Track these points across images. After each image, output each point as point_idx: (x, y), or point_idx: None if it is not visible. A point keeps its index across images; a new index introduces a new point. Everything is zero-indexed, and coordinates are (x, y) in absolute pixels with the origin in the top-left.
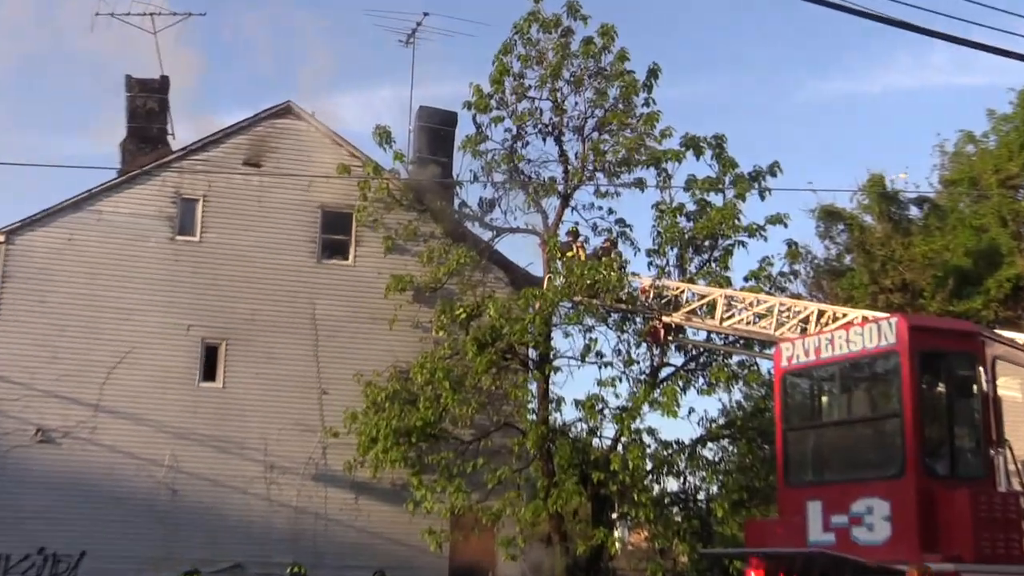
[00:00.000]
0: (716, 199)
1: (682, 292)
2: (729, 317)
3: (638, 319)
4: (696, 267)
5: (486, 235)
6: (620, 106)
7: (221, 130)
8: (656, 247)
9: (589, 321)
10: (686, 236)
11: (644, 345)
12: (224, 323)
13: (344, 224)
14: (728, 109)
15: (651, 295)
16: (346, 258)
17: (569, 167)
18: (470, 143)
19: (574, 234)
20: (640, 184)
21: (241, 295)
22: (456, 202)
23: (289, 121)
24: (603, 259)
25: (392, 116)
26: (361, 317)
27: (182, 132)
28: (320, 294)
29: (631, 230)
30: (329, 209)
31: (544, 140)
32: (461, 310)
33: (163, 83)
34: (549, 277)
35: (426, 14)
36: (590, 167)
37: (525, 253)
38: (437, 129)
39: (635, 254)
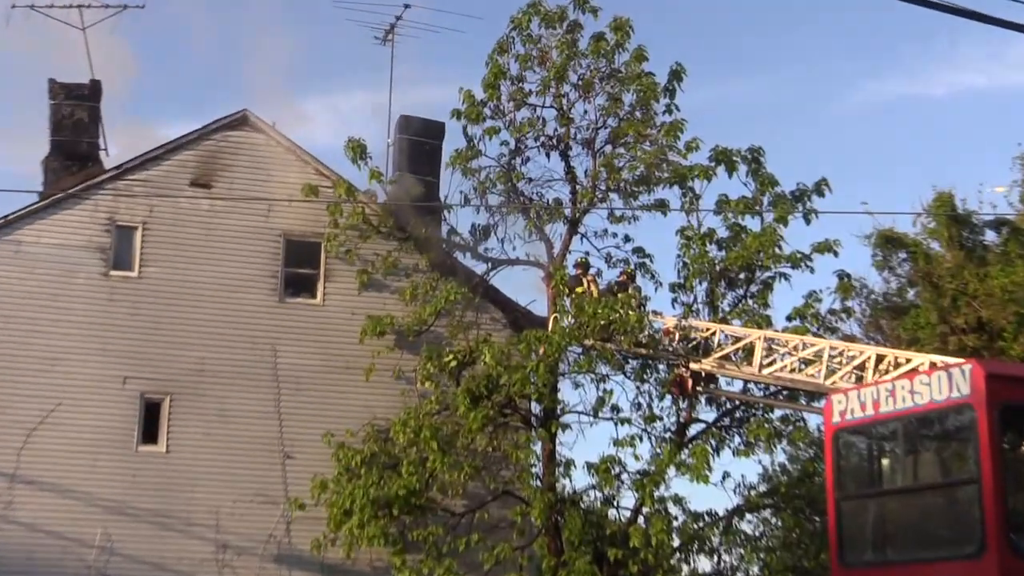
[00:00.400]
0: (753, 223)
1: (713, 334)
2: (770, 363)
3: (661, 366)
4: (729, 304)
5: (480, 268)
6: (637, 114)
7: (164, 144)
8: (682, 281)
9: (603, 369)
10: (717, 267)
11: (668, 397)
12: (168, 374)
13: (311, 256)
14: (766, 116)
15: (676, 338)
16: (313, 296)
17: (577, 187)
18: (460, 159)
19: (584, 266)
20: (662, 206)
21: (188, 341)
22: (444, 229)
23: (245, 133)
24: (619, 295)
25: (367, 127)
26: (332, 366)
27: (117, 147)
28: (283, 339)
29: (651, 261)
30: (293, 238)
31: (548, 155)
32: (451, 357)
33: (94, 88)
34: (555, 317)
35: (407, 6)
36: (602, 186)
37: (526, 289)
38: (421, 142)
39: (656, 289)
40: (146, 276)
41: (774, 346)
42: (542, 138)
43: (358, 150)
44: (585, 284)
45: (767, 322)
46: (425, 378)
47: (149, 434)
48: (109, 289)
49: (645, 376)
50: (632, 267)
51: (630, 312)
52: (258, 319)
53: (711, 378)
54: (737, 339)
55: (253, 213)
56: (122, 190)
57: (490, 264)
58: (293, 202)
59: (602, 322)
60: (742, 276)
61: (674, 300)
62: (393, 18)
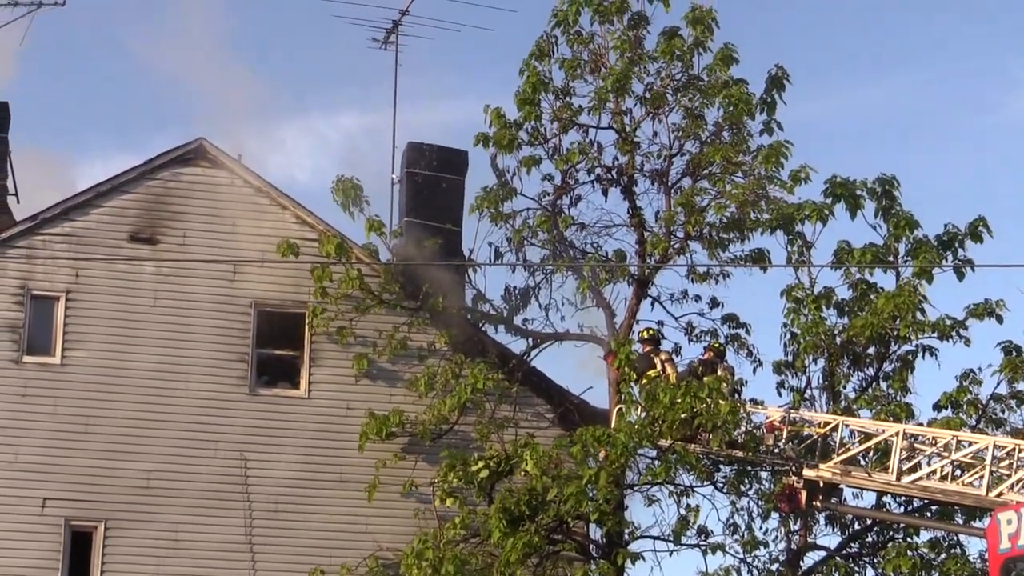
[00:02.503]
0: (886, 280)
1: (834, 429)
2: (911, 469)
3: (764, 474)
4: (855, 389)
5: (518, 346)
6: (725, 135)
7: (94, 187)
8: (790, 358)
9: (685, 479)
10: (837, 340)
11: (776, 516)
12: (102, 494)
13: (292, 333)
14: (898, 132)
15: (784, 436)
16: (295, 385)
17: (646, 234)
18: (488, 200)
19: (656, 340)
20: (760, 259)
21: (129, 449)
22: (469, 295)
23: (201, 171)
24: (705, 379)
25: (363, 159)
26: (321, 480)
27: (31, 191)
28: (255, 443)
29: (748, 332)
30: (268, 309)
31: (605, 192)
32: (481, 465)
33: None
34: (619, 410)
35: None
36: (679, 233)
37: (580, 373)
38: (436, 179)
39: (756, 370)
40: (71, 362)
41: (918, 445)
42: (598, 170)
43: (351, 192)
44: (658, 364)
45: (907, 413)
46: (446, 494)
47: (78, 571)
48: (22, 380)
49: (743, 488)
50: (721, 341)
51: (720, 402)
52: (222, 418)
53: (833, 489)
54: (867, 436)
55: (214, 277)
56: (39, 248)
57: (532, 340)
58: (267, 263)
59: (683, 415)
60: (872, 351)
61: (780, 385)
62: (397, 13)
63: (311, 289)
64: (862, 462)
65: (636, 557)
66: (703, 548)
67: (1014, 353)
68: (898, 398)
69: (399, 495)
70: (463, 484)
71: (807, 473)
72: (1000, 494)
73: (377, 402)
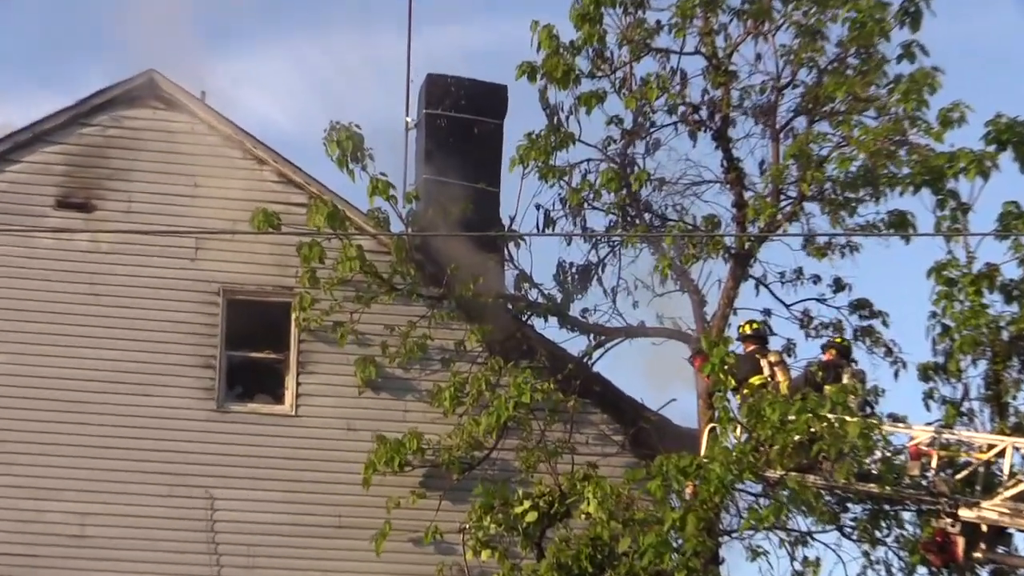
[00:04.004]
0: None
1: (1000, 455)
2: None
3: (907, 515)
4: None
5: (576, 345)
6: (851, 62)
7: (9, 136)
8: (941, 360)
9: (801, 523)
10: (1004, 335)
11: (923, 571)
12: (22, 544)
13: (274, 329)
14: None
15: (934, 464)
16: (278, 399)
17: (748, 194)
18: (535, 151)
19: (760, 337)
20: (902, 227)
21: (56, 485)
22: (510, 276)
23: (152, 114)
24: (826, 389)
25: (366, 98)
26: (312, 525)
27: None
28: (224, 476)
29: (884, 324)
30: (242, 298)
31: (693, 139)
32: (526, 506)
33: None
34: (712, 431)
35: None
36: (791, 192)
37: (659, 381)
38: (464, 123)
39: (897, 375)
40: None
41: None
42: (682, 109)
43: (350, 143)
44: (765, 369)
45: None
46: (481, 545)
47: None
48: None
49: (879, 534)
50: (848, 337)
51: (847, 419)
52: (181, 442)
53: (999, 535)
54: None
55: (170, 255)
56: None
57: (594, 337)
58: (239, 235)
59: (798, 438)
60: None
61: (928, 395)
62: None
63: (298, 272)
64: None
65: None
66: None
67: None
68: None
69: (416, 545)
70: (503, 531)
71: (965, 514)
72: None
73: (387, 421)
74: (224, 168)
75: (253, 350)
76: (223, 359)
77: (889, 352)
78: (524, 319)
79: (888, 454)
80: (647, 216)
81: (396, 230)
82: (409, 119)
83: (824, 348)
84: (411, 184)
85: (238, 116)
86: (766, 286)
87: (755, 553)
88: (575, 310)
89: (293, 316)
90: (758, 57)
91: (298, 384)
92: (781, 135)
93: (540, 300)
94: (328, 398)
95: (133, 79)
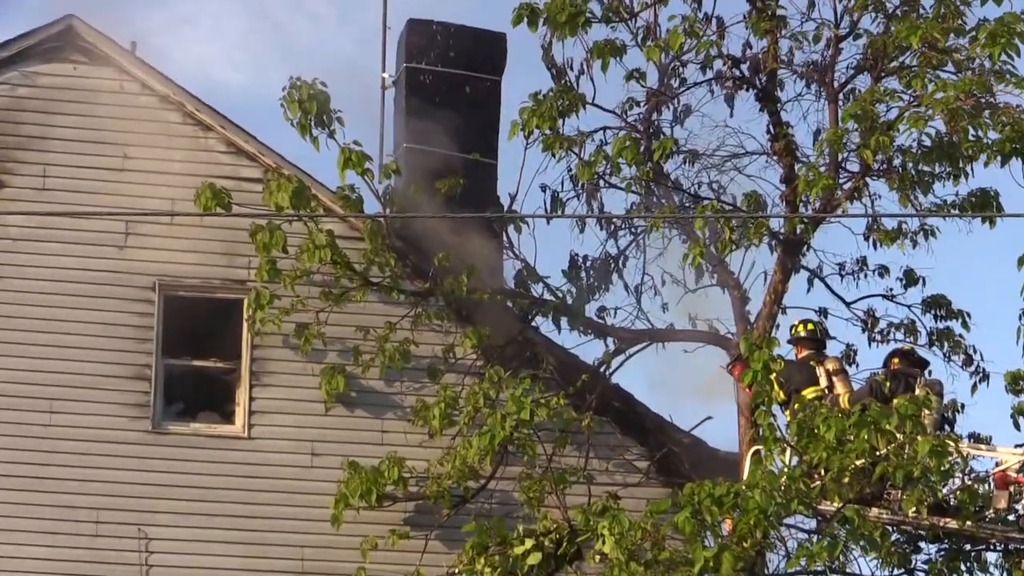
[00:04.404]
0: None
1: None
2: None
3: (992, 556)
4: None
5: (591, 351)
6: (924, 4)
7: None
8: None
9: (862, 565)
10: None
11: None
12: None
13: (223, 333)
14: None
15: None
16: (227, 418)
17: (799, 167)
18: (540, 115)
19: (815, 340)
20: (987, 207)
21: None
22: (510, 269)
23: (73, 69)
24: (894, 402)
25: (334, 50)
26: (270, 571)
27: None
28: (161, 511)
29: (964, 326)
30: (183, 295)
31: (731, 101)
32: (529, 545)
33: None
34: (756, 454)
35: None
36: (852, 165)
37: (691, 394)
38: (454, 80)
39: (976, 387)
40: None
41: None
42: (718, 63)
43: (314, 104)
44: (821, 378)
45: None
46: None
47: None
48: None
49: None
50: (920, 338)
51: (919, 439)
52: (109, 469)
53: None
54: None
55: (94, 242)
56: None
57: (614, 342)
58: (179, 218)
59: (859, 461)
60: None
61: (1018, 412)
62: None
63: (252, 263)
64: None
65: None
66: None
67: None
68: None
69: None
70: (501, 575)
71: None
72: None
73: (361, 444)
74: (160, 136)
75: (196, 358)
76: (159, 369)
77: (970, 360)
78: (528, 320)
79: (969, 481)
80: (677, 196)
81: (371, 211)
82: (386, 75)
83: (893, 355)
84: (389, 155)
85: (177, 72)
86: (822, 279)
87: None
88: (590, 310)
89: (246, 316)
90: (812, 3)
91: (251, 399)
92: (840, 96)
93: (547, 297)
94: (288, 416)
95: (48, 27)
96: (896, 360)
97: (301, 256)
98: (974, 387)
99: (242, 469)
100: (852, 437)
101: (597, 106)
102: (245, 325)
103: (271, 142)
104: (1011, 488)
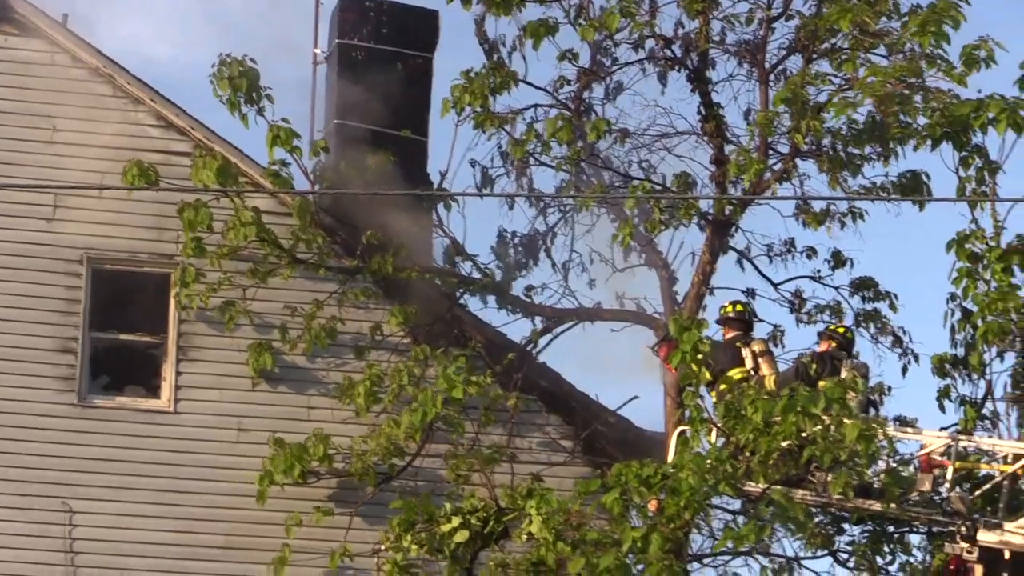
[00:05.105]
0: None
1: None
2: None
3: (916, 538)
4: None
5: (519, 330)
6: None
7: None
8: (961, 352)
9: (787, 546)
10: None
11: None
12: None
13: (149, 308)
14: None
15: (949, 478)
16: (153, 392)
17: (729, 149)
18: (472, 93)
19: (743, 322)
20: (916, 190)
21: None
22: (439, 247)
23: (2, 40)
24: (821, 385)
25: (264, 25)
26: (195, 546)
27: None
28: (87, 485)
29: (892, 308)
30: (110, 268)
31: (663, 80)
32: (456, 523)
33: None
34: (682, 435)
35: None
36: (781, 147)
37: (618, 374)
38: (385, 57)
39: (905, 371)
40: None
41: None
42: (650, 43)
43: (243, 81)
44: (748, 360)
45: None
46: (399, 570)
47: None
48: None
49: (880, 560)
50: (849, 324)
51: (846, 421)
52: (33, 443)
53: None
54: None
55: (21, 214)
56: None
57: (541, 322)
58: (108, 191)
59: (785, 443)
60: None
61: (943, 394)
62: None
63: (180, 238)
64: None
65: None
66: None
67: None
68: None
69: (322, 572)
70: (427, 554)
71: (985, 537)
72: None
73: (287, 420)
74: (90, 108)
75: (123, 332)
76: (86, 342)
77: (898, 342)
78: (456, 298)
79: (894, 464)
80: (607, 175)
81: (300, 188)
82: (318, 51)
83: (821, 337)
84: (319, 132)
85: (108, 45)
86: (750, 260)
87: None
88: (518, 288)
89: (173, 292)
90: None
91: (177, 374)
92: (771, 77)
93: (476, 275)
94: (214, 391)
95: None
96: (826, 342)
97: (227, 233)
98: (904, 369)
99: (168, 444)
100: (779, 419)
101: (529, 84)
102: (172, 300)
103: (203, 117)
104: (935, 471)
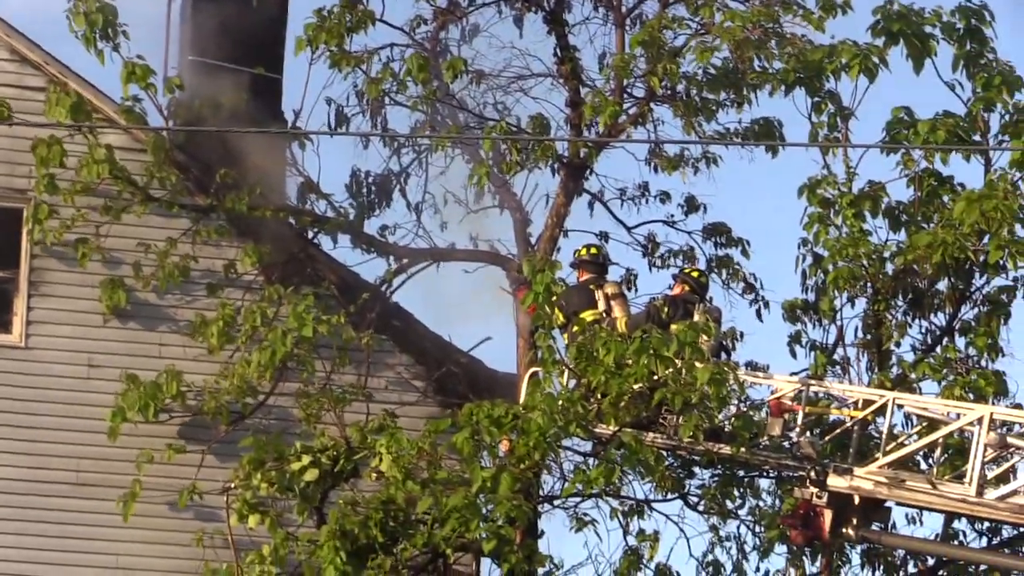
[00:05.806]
0: (969, 172)
1: (880, 412)
2: (1001, 479)
3: (765, 483)
4: (915, 347)
5: (372, 269)
6: None
7: None
8: (812, 298)
9: (637, 488)
10: (888, 268)
11: (784, 549)
12: None
13: (0, 242)
14: None
15: (799, 422)
16: (5, 327)
17: (585, 91)
18: (327, 32)
19: (597, 264)
20: (769, 135)
21: None
22: (292, 185)
23: None
24: (673, 328)
25: None
26: (45, 481)
27: None
28: None
29: (744, 253)
30: None
31: (520, 22)
32: (306, 462)
33: None
34: (534, 376)
35: None
36: (637, 91)
37: (471, 314)
38: None
39: (758, 315)
40: None
41: (1013, 440)
42: None
43: (98, 17)
44: (600, 302)
45: (998, 388)
46: (248, 508)
47: None
48: None
49: (730, 504)
50: (701, 267)
51: (697, 364)
52: None
53: (875, 509)
54: (932, 424)
55: None
56: None
57: (394, 260)
58: None
59: (636, 386)
60: (943, 287)
61: (794, 339)
62: None
63: (32, 173)
64: (923, 466)
65: None
66: None
67: None
68: (983, 363)
69: (172, 508)
70: (276, 492)
71: (835, 482)
72: None
73: (139, 357)
74: None
75: None
76: None
77: (750, 288)
78: (310, 237)
79: (745, 408)
80: (462, 116)
81: (155, 124)
82: None
83: (674, 280)
84: (174, 69)
85: None
86: (604, 204)
87: (581, 523)
88: (372, 228)
89: (25, 228)
90: None
91: (29, 309)
92: (627, 21)
93: (329, 214)
94: (66, 327)
95: None
96: (679, 286)
97: (81, 170)
98: (759, 313)
99: (18, 379)
100: (631, 361)
101: (385, 22)
102: (24, 236)
103: (58, 52)
104: (785, 416)
